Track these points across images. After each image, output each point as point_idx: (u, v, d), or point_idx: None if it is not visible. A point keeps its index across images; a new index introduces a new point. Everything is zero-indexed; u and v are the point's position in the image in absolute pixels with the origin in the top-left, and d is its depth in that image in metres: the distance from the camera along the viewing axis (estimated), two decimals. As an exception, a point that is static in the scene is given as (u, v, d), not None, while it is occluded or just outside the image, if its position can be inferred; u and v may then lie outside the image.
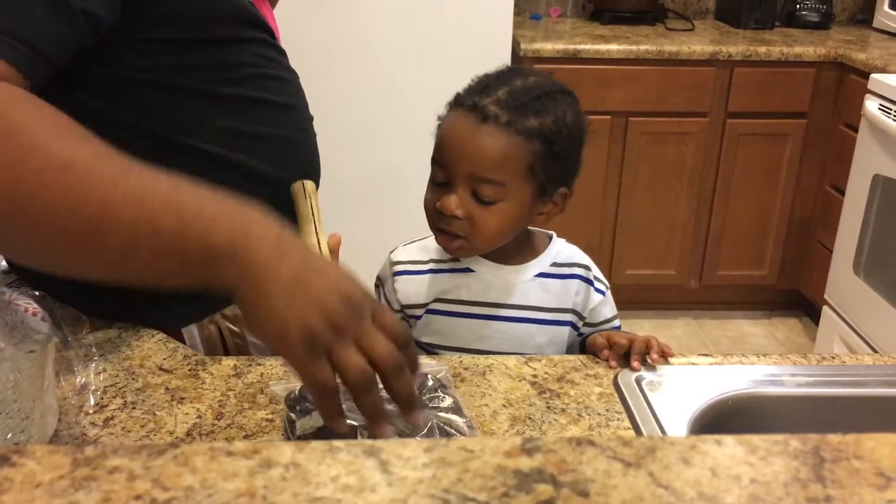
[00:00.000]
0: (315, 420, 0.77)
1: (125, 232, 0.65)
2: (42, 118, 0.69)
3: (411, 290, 1.08)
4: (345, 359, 0.65)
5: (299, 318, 0.64)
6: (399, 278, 1.09)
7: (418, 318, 1.08)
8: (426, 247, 1.09)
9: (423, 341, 1.09)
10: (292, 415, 0.80)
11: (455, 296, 1.06)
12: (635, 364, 0.95)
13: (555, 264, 1.07)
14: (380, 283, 1.12)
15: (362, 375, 0.65)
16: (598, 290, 1.08)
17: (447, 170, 0.98)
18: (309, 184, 1.02)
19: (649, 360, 0.96)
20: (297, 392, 0.81)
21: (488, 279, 1.06)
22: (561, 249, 1.09)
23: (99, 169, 0.66)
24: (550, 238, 1.10)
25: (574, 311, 1.07)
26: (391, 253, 1.12)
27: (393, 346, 0.67)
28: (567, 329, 1.08)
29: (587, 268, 1.09)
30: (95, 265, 0.70)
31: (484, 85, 0.99)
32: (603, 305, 1.09)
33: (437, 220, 1.00)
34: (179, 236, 0.65)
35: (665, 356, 0.96)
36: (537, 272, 1.06)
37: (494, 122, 0.95)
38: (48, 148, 0.67)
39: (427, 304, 1.07)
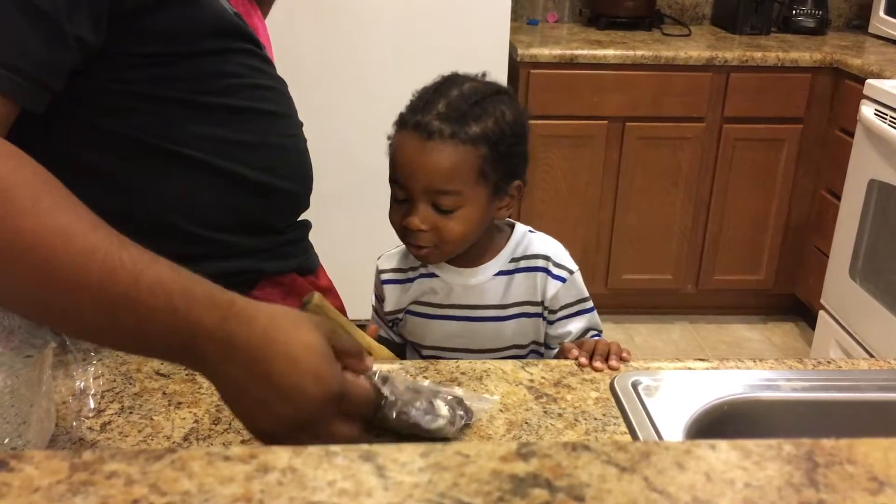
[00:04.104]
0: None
1: (89, 319, 0.67)
2: (22, 182, 0.67)
3: (394, 297, 1.15)
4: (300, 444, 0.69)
5: (249, 420, 0.69)
6: (386, 287, 1.16)
7: (400, 320, 1.15)
8: (406, 254, 1.15)
9: (411, 340, 1.17)
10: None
11: (426, 299, 1.13)
12: (597, 364, 0.97)
13: (513, 260, 1.11)
14: (376, 295, 1.19)
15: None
16: (556, 278, 1.10)
17: (405, 188, 1.03)
18: (317, 297, 1.00)
19: (609, 365, 0.98)
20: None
21: (450, 282, 1.11)
22: (520, 242, 1.12)
23: (65, 251, 0.65)
24: (512, 231, 1.13)
25: (541, 303, 1.11)
26: (378, 260, 1.18)
27: (354, 431, 0.72)
28: (535, 320, 1.11)
29: (546, 257, 1.11)
30: (76, 335, 0.74)
31: (424, 101, 1.03)
32: (563, 291, 1.10)
33: (405, 235, 1.06)
34: (137, 333, 0.67)
35: (623, 360, 0.99)
36: (496, 271, 1.10)
37: (439, 137, 1.00)
38: (20, 220, 0.65)
39: (405, 309, 1.14)
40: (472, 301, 1.10)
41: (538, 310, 1.11)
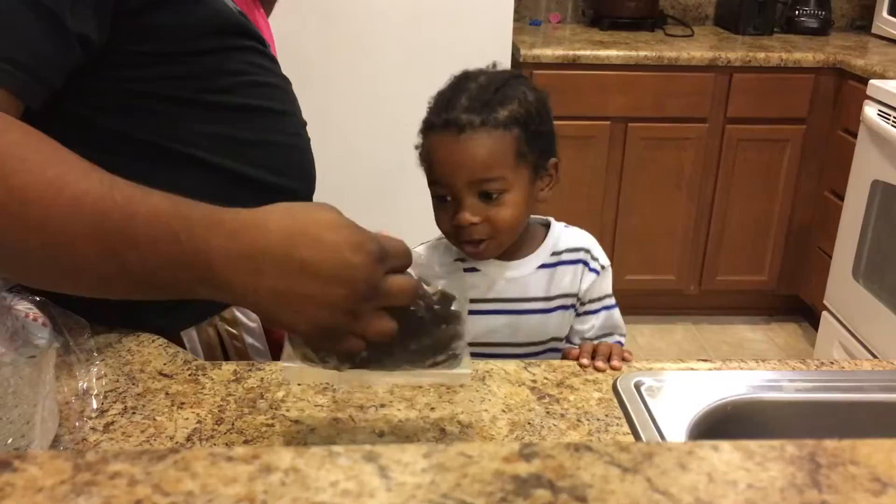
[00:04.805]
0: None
1: (95, 269, 0.66)
2: (9, 143, 0.68)
3: None
4: (365, 332, 0.66)
5: (305, 322, 0.65)
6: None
7: None
8: (435, 247, 1.14)
9: None
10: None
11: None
12: (599, 365, 0.98)
13: (554, 253, 1.12)
14: None
15: (386, 338, 0.68)
16: (592, 270, 1.12)
17: (448, 186, 1.03)
18: None
19: (611, 365, 0.98)
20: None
21: (493, 276, 1.11)
22: (560, 236, 1.13)
23: (56, 201, 0.65)
24: (548, 226, 1.15)
25: (576, 295, 1.12)
26: None
27: (411, 281, 0.69)
28: (572, 312, 1.13)
29: (586, 250, 1.13)
30: (89, 292, 0.71)
31: (445, 101, 1.04)
32: (595, 284, 1.12)
33: (458, 234, 1.05)
34: (146, 272, 0.65)
35: (625, 361, 1.00)
36: (538, 264, 1.11)
37: (470, 128, 1.00)
38: (11, 179, 0.65)
39: None
40: (516, 294, 1.10)
41: (574, 301, 1.12)
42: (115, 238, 0.64)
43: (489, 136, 1.00)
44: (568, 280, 1.11)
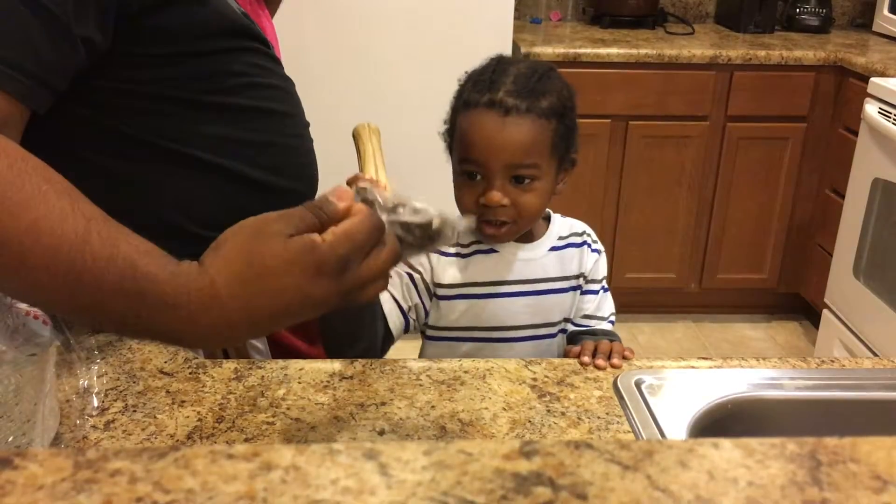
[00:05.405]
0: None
1: (74, 315, 0.68)
2: None
3: (446, 272, 1.12)
4: (357, 300, 0.66)
5: (294, 317, 0.65)
6: (442, 258, 1.12)
7: (449, 298, 1.12)
8: None
9: (462, 325, 1.13)
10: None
11: (486, 278, 1.13)
12: (600, 363, 1.00)
13: (561, 237, 1.16)
14: (410, 270, 1.12)
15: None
16: (594, 251, 1.18)
17: (483, 166, 1.04)
18: (373, 126, 1.01)
19: (612, 363, 1.00)
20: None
21: (510, 258, 1.13)
22: (562, 223, 1.18)
23: (33, 249, 0.63)
24: (548, 217, 1.19)
25: (582, 275, 1.16)
26: None
27: (391, 253, 0.67)
28: (579, 291, 1.17)
29: (587, 234, 1.19)
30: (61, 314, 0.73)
31: (488, 81, 1.05)
32: (597, 265, 1.18)
33: (482, 213, 1.06)
34: (121, 328, 0.67)
35: (626, 359, 1.02)
36: (550, 246, 1.15)
37: (517, 112, 1.02)
38: None
39: (461, 286, 1.12)
40: (537, 275, 1.13)
41: (581, 281, 1.16)
42: (84, 299, 0.63)
43: (533, 123, 1.02)
44: (576, 260, 1.16)
